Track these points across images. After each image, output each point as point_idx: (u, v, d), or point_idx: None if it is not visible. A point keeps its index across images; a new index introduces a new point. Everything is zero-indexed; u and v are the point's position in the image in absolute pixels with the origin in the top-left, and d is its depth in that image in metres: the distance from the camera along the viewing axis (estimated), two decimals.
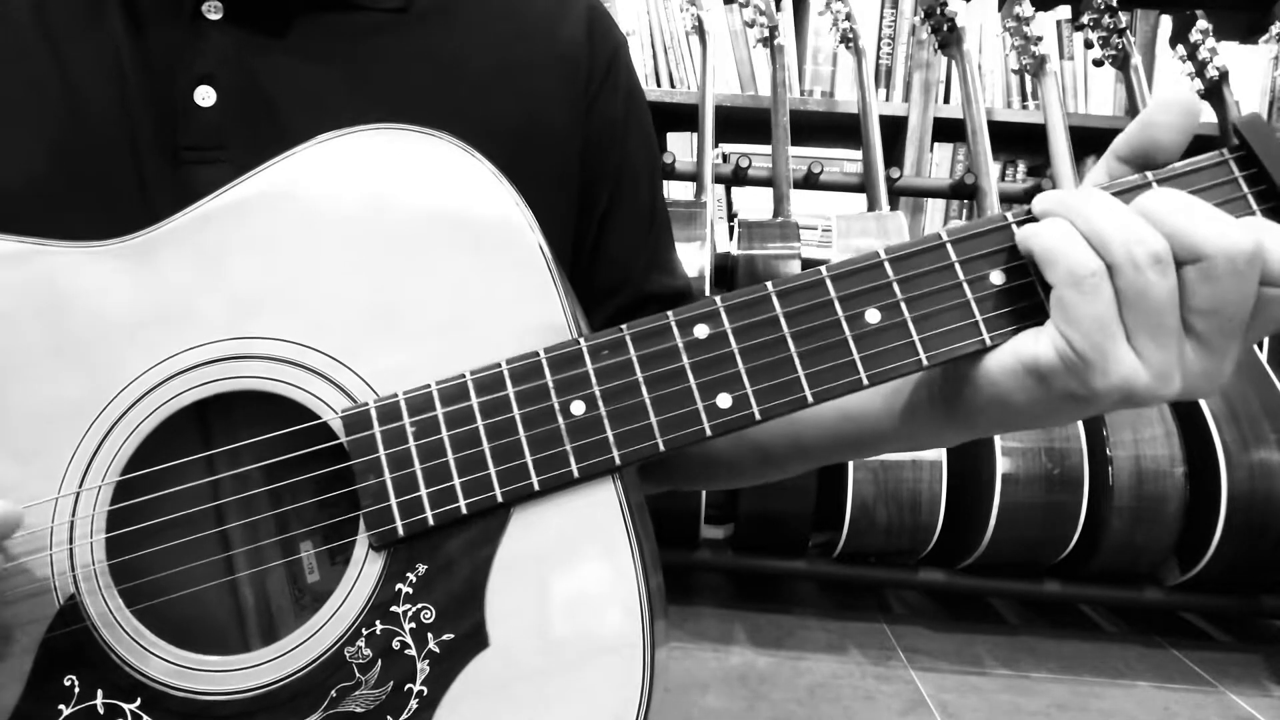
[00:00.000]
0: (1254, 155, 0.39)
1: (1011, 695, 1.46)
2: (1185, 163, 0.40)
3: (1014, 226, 0.41)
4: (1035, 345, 0.39)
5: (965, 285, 0.41)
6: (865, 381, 0.41)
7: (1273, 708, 1.46)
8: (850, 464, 1.55)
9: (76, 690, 0.42)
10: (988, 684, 1.50)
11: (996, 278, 0.41)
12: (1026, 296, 0.41)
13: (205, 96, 0.52)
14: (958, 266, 0.41)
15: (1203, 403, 1.53)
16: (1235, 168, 0.40)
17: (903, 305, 0.41)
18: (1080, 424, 1.56)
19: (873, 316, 0.41)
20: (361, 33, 0.57)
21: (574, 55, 0.62)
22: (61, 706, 0.42)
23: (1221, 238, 0.35)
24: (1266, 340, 1.71)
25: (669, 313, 0.43)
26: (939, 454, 1.56)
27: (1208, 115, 1.85)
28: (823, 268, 0.42)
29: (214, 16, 0.53)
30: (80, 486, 0.43)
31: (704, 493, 1.63)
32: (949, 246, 0.41)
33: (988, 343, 0.41)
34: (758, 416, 0.42)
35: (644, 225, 0.66)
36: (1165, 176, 0.40)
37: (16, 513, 0.42)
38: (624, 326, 0.43)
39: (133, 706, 0.42)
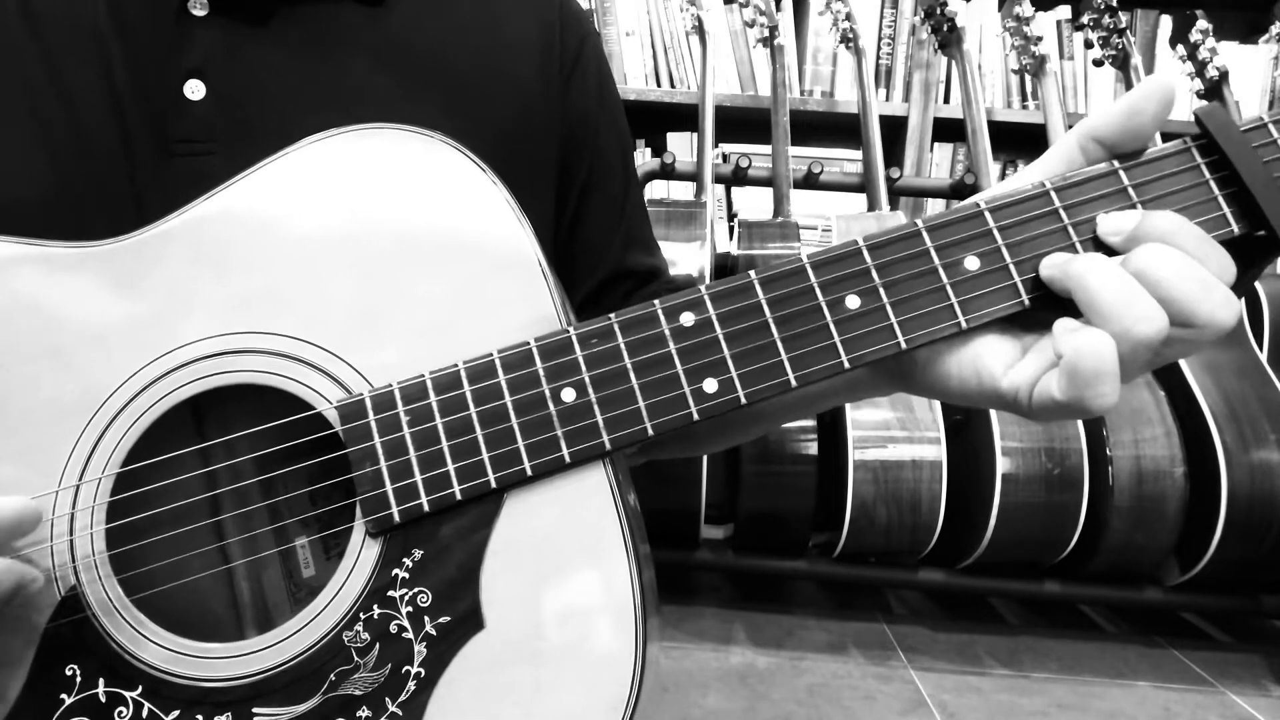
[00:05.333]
0: (1215, 143, 0.40)
1: (1011, 695, 1.46)
2: (1151, 151, 0.42)
3: (986, 213, 0.42)
4: (1014, 377, 0.41)
5: (941, 270, 0.42)
6: (846, 365, 0.42)
7: (1273, 708, 1.46)
8: (850, 464, 1.55)
9: (78, 679, 0.42)
10: (988, 684, 1.49)
11: (971, 263, 0.42)
12: (1000, 281, 0.42)
13: (195, 90, 0.53)
14: (933, 253, 0.42)
15: (1203, 402, 1.53)
16: (1198, 154, 0.41)
17: (881, 291, 0.42)
18: (1080, 424, 1.56)
19: (853, 302, 0.42)
20: (343, 25, 0.57)
21: (548, 41, 0.63)
22: (64, 696, 0.42)
23: (1213, 315, 0.37)
24: (1267, 340, 1.71)
25: (655, 301, 0.44)
26: (939, 454, 1.56)
27: None
28: (803, 255, 0.43)
29: (200, 12, 0.54)
30: (80, 480, 0.44)
31: (704, 493, 1.63)
32: (924, 234, 0.43)
33: (963, 325, 0.42)
34: (743, 400, 0.42)
35: (618, 206, 0.68)
36: (1132, 165, 0.41)
37: (37, 509, 0.42)
38: (612, 315, 0.44)
39: (133, 694, 0.42)
